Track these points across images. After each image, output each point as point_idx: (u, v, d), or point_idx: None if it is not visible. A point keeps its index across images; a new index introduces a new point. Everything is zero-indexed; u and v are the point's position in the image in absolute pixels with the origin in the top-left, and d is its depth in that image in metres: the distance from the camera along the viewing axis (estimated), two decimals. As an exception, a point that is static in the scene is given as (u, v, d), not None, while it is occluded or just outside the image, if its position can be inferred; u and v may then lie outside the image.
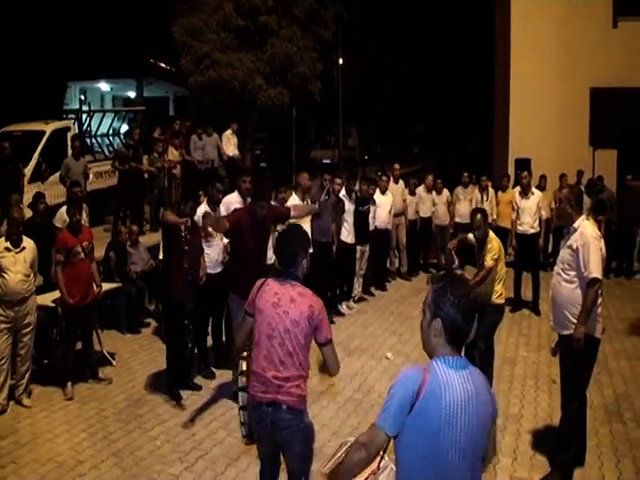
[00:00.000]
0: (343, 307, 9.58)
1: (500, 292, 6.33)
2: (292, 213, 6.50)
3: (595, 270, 4.75)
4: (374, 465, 2.85)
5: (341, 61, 29.68)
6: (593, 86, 14.90)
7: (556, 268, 5.12)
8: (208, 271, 6.95)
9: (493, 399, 2.64)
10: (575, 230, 4.96)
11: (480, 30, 25.59)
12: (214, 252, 7.13)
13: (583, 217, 5.03)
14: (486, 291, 6.23)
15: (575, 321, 4.87)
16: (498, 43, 18.71)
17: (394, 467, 2.78)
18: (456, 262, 7.71)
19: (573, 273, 4.92)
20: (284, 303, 3.69)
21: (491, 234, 6.41)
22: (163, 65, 24.22)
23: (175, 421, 5.93)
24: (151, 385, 6.73)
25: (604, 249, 4.92)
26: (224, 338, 7.45)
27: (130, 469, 5.10)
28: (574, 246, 4.90)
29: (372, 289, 10.64)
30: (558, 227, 12.32)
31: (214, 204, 7.09)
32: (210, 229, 6.29)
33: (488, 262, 6.22)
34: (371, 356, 7.73)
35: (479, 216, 6.40)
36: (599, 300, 4.96)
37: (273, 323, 3.69)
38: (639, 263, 11.99)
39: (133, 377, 7.00)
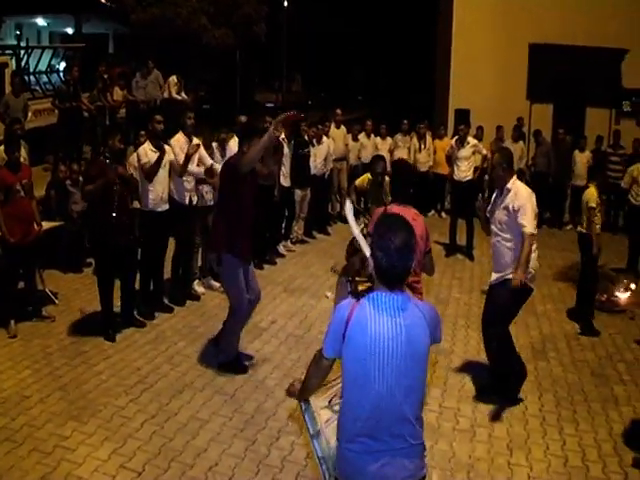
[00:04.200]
0: (281, 248, 9.73)
1: None
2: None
3: (530, 226, 5.08)
4: (339, 388, 3.06)
5: (286, 3, 29.26)
6: (532, 42, 15.20)
7: (493, 228, 5.42)
8: (152, 209, 6.89)
9: (429, 317, 2.71)
10: (509, 191, 5.24)
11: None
12: (158, 188, 6.89)
13: (514, 178, 5.34)
14: None
15: (512, 268, 5.22)
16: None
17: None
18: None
19: (510, 233, 5.24)
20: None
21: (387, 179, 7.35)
22: (103, 1, 23.32)
23: (120, 356, 6.07)
24: (95, 322, 6.78)
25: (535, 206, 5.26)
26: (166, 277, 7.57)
27: (76, 402, 5.22)
28: (510, 207, 5.19)
29: (314, 232, 10.86)
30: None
31: (157, 138, 6.91)
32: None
33: None
34: (311, 295, 8.01)
35: (382, 163, 7.49)
36: (534, 254, 5.32)
37: None
38: (570, 214, 12.52)
39: (76, 315, 7.06)
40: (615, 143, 12.75)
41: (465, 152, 10.20)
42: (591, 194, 7.26)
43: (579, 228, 7.47)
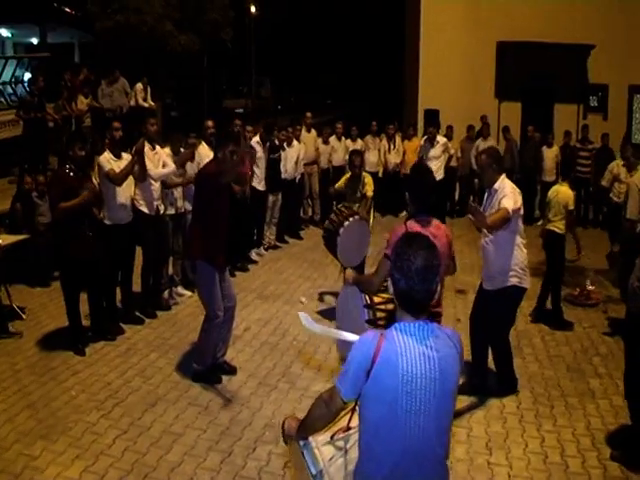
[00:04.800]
0: (253, 254, 9.61)
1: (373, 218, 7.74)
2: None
3: (507, 205, 5.02)
4: (344, 422, 2.83)
5: (253, 9, 29.15)
6: (499, 40, 15.29)
7: (484, 229, 5.37)
8: (116, 221, 6.67)
9: (458, 346, 2.51)
10: (496, 191, 5.24)
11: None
12: (122, 199, 6.67)
13: (503, 176, 5.33)
14: (366, 217, 7.37)
15: (505, 276, 5.28)
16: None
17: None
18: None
19: (499, 233, 5.21)
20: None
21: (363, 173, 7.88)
22: (68, 10, 22.97)
23: (90, 371, 5.92)
24: (63, 337, 6.59)
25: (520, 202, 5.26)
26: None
27: (46, 420, 5.07)
28: (496, 206, 5.15)
29: (286, 237, 10.78)
30: (464, 175, 12.87)
31: (116, 146, 6.70)
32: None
33: (370, 193, 7.54)
34: (285, 301, 7.92)
35: (358, 159, 7.82)
36: (525, 252, 5.38)
37: None
38: (540, 210, 12.57)
39: (45, 330, 6.89)
40: (583, 138, 12.86)
41: (435, 151, 10.26)
42: (569, 195, 7.17)
43: (548, 226, 7.38)
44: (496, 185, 5.26)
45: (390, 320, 4.01)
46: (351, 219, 6.96)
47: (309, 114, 12.04)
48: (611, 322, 7.34)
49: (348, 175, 7.89)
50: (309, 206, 12.09)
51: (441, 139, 10.47)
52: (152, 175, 6.88)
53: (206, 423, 5.04)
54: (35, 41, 24.60)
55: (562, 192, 7.24)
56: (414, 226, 4.16)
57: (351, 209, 7.20)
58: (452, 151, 10.92)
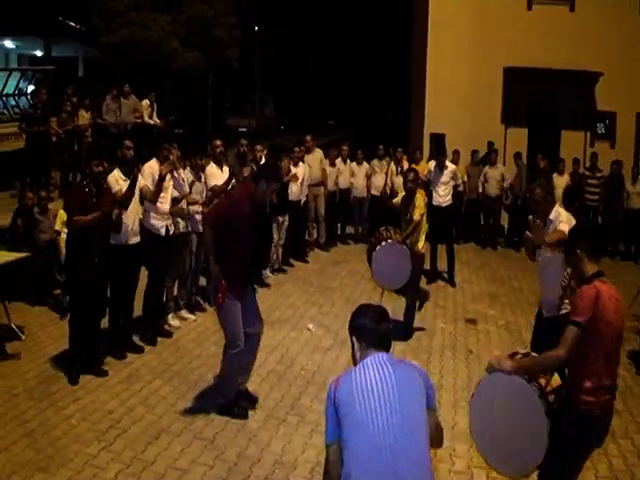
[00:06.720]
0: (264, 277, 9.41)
1: (423, 242, 7.49)
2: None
3: (564, 228, 4.93)
4: None
5: (257, 28, 29.25)
6: (506, 65, 15.23)
7: (540, 261, 5.41)
8: (122, 242, 6.44)
9: (424, 376, 2.83)
10: (552, 221, 5.22)
11: (399, 7, 25.66)
12: (129, 220, 6.44)
13: (557, 206, 5.34)
14: (412, 241, 7.28)
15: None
16: (416, 20, 18.82)
17: None
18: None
19: (555, 267, 5.11)
20: (619, 306, 3.60)
21: (418, 193, 7.51)
22: (72, 24, 22.98)
23: (91, 398, 5.67)
24: (63, 360, 6.34)
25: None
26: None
27: (44, 450, 4.82)
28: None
29: (291, 260, 10.58)
30: (470, 200, 12.76)
31: (127, 165, 6.50)
32: None
33: (416, 216, 7.22)
34: (292, 327, 7.69)
35: (412, 174, 7.52)
36: None
37: (617, 331, 3.58)
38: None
39: (44, 352, 6.62)
40: (592, 165, 12.76)
41: (444, 177, 10.10)
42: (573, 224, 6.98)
43: None
44: (551, 216, 5.25)
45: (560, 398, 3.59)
46: (383, 243, 7.16)
47: (308, 137, 11.56)
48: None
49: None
50: (314, 229, 11.90)
51: (450, 165, 10.32)
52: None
53: (212, 459, 4.79)
54: (39, 54, 24.64)
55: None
56: (603, 287, 3.55)
57: (389, 232, 7.28)
58: (460, 180, 10.85)
